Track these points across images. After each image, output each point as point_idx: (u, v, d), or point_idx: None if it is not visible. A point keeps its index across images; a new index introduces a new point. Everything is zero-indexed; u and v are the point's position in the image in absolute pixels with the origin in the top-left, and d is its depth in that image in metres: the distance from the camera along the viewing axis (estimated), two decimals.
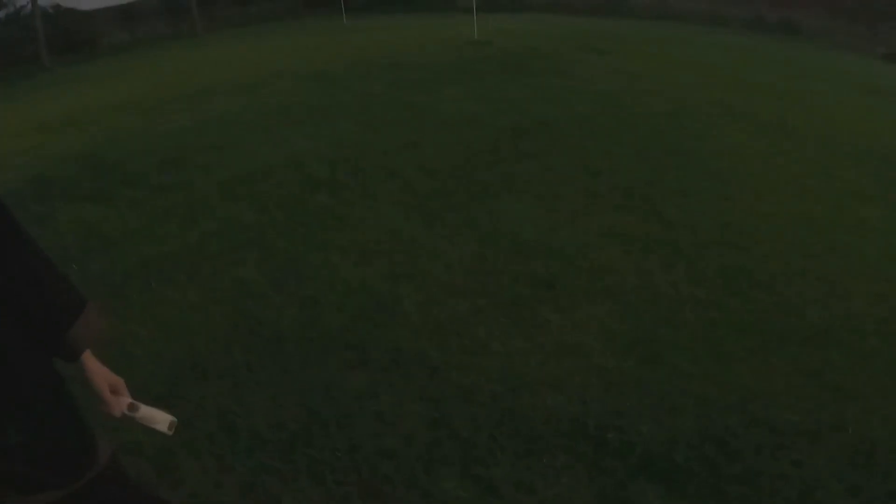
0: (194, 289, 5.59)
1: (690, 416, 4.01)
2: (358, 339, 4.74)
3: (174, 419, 2.33)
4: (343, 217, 6.76)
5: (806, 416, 4.02)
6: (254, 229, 6.64)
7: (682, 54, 17.94)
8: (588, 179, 7.65)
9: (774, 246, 6.30)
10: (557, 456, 3.71)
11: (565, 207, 6.90)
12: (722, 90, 13.07)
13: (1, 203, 1.85)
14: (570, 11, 33.89)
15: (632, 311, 5.11)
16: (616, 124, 10.02)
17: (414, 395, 4.20)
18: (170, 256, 6.22)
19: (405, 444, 3.84)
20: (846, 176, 8.65)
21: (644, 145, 9.07)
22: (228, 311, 5.19)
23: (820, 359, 4.59)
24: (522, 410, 4.05)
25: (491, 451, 3.77)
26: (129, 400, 2.27)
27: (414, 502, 3.48)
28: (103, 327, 2.19)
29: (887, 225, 7.12)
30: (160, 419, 2.32)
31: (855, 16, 28.92)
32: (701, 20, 30.48)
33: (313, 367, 4.47)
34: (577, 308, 5.11)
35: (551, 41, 18.61)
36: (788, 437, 3.87)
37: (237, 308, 5.23)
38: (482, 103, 10.96)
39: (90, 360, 2.17)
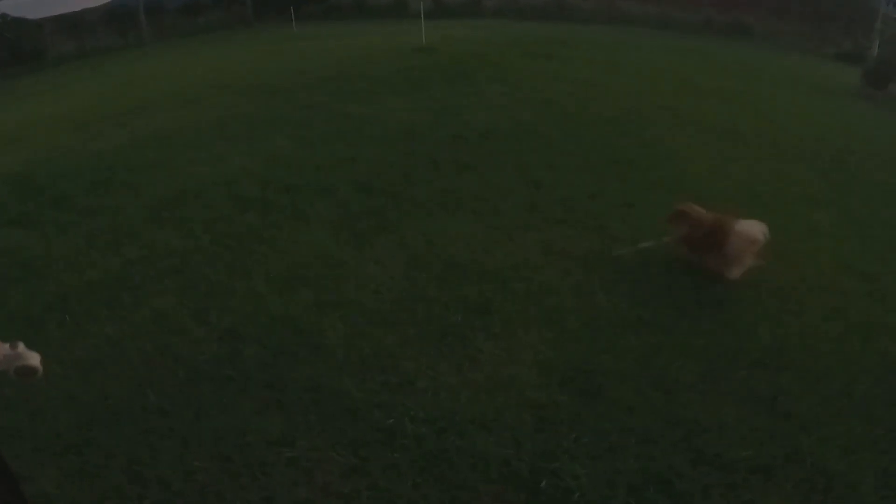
0: (113, 322, 5.23)
1: (632, 456, 3.76)
2: (277, 376, 4.42)
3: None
4: (271, 240, 6.41)
5: (758, 450, 3.80)
6: (178, 255, 6.27)
7: (629, 59, 17.80)
8: (529, 192, 7.38)
9: None
10: None
11: (504, 223, 6.62)
12: (670, 95, 12.93)
13: None
14: (519, 17, 33.75)
15: (570, 337, 4.85)
16: (559, 133, 9.78)
17: (333, 438, 3.89)
18: (91, 287, 5.85)
19: (322, 495, 3.53)
20: (797, 179, 8.54)
21: (587, 155, 8.84)
22: (146, 347, 4.84)
23: (772, 383, 4.37)
24: (449, 454, 3.76)
25: (413, 502, 3.46)
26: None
27: None
28: None
29: (839, 230, 6.99)
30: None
31: (803, 17, 29.13)
32: (649, 24, 30.54)
33: (229, 410, 4.14)
34: (511, 336, 4.83)
35: (498, 48, 18.37)
36: (739, 474, 3.64)
37: (155, 343, 4.88)
38: (424, 114, 10.67)
39: None
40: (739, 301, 5.39)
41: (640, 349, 4.71)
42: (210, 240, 6.52)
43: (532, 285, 5.51)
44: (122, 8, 38.80)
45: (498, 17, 34.08)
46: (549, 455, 3.75)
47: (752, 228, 5.59)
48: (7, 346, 2.81)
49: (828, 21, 28.41)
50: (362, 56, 16.97)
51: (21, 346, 2.84)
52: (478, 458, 3.73)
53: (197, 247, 6.41)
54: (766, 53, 23.19)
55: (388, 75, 13.77)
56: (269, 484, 3.61)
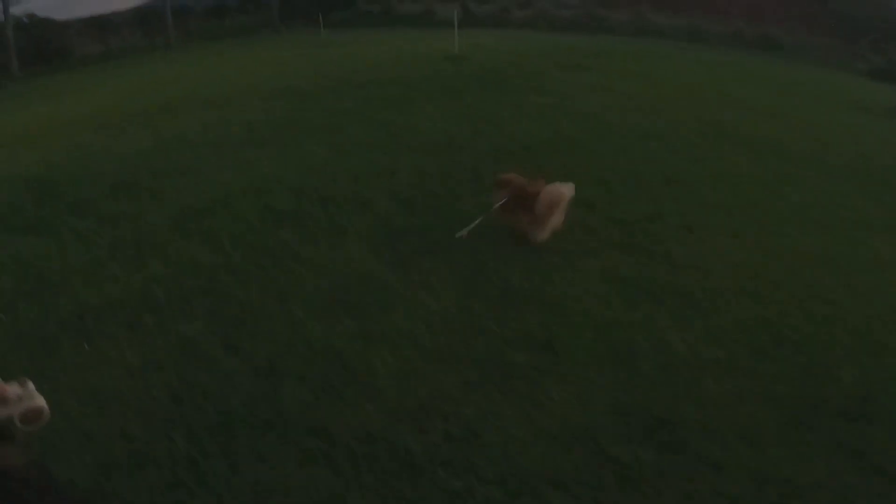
0: (134, 348, 4.69)
1: None
2: (322, 421, 3.85)
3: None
4: (308, 258, 5.84)
5: None
6: (206, 272, 5.72)
7: (666, 71, 17.25)
8: (583, 212, 6.79)
9: (792, 291, 5.49)
10: None
11: (560, 246, 6.02)
12: (712, 109, 12.36)
13: None
14: (549, 28, 33.25)
15: (645, 380, 4.26)
16: (606, 148, 9.21)
17: (390, 500, 3.33)
18: (111, 305, 5.31)
19: None
20: (850, 203, 7.92)
21: (638, 172, 8.25)
22: (172, 382, 4.29)
23: (860, 435, 3.81)
24: None
25: None
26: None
27: None
28: None
29: None
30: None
31: (833, 32, 28.52)
32: (679, 36, 29.97)
33: (268, 461, 3.59)
34: (582, 378, 4.24)
35: (532, 58, 17.83)
36: None
37: (182, 377, 4.33)
38: (462, 123, 10.10)
39: None
40: (816, 341, 4.80)
41: (722, 396, 4.12)
42: (241, 256, 5.98)
43: (597, 319, 4.92)
44: (148, 10, 38.62)
45: (527, 27, 33.58)
46: None
47: (557, 189, 5.96)
48: (15, 385, 2.34)
49: (859, 36, 27.75)
50: (393, 62, 16.49)
51: (30, 386, 2.36)
52: None
53: (227, 263, 5.86)
54: (797, 67, 22.61)
55: (422, 82, 13.26)
56: None
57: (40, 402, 2.35)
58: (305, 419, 3.87)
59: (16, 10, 36.65)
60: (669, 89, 14.15)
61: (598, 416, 3.92)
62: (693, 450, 3.67)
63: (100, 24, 36.87)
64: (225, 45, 31.23)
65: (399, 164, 8.20)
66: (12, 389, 2.31)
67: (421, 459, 3.55)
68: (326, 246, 6.01)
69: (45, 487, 2.48)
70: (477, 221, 6.05)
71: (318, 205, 6.93)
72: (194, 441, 3.75)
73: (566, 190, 6.03)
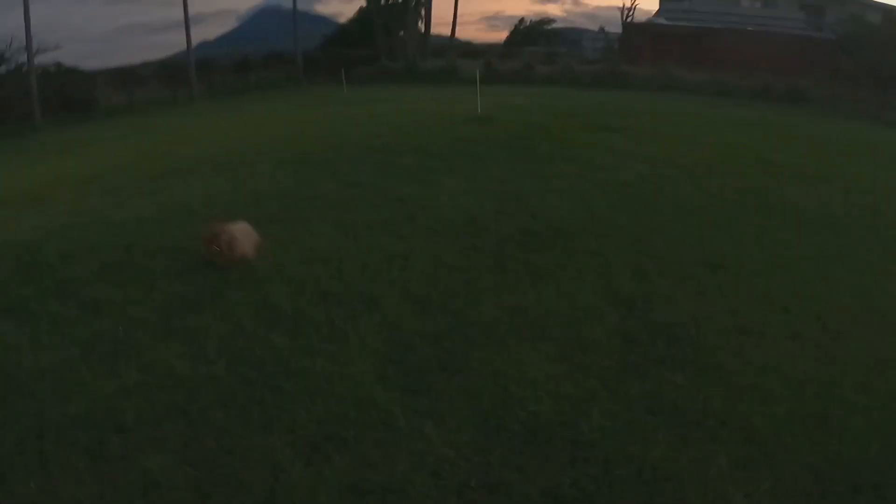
0: (94, 481, 3.92)
1: None
2: None
3: None
4: (301, 373, 4.98)
5: None
6: (184, 386, 4.89)
7: (696, 131, 16.51)
8: (619, 314, 5.91)
9: (868, 414, 4.57)
10: None
11: (595, 363, 5.12)
12: (750, 176, 11.58)
13: None
14: (573, 83, 32.84)
15: None
16: (642, 227, 8.35)
17: None
18: (74, 422, 4.54)
19: None
20: None
21: (679, 256, 7.39)
22: None
23: None
24: None
25: None
26: None
27: None
28: None
29: None
30: None
31: (860, 82, 27.82)
32: (705, 91, 29.37)
33: None
34: None
35: (558, 118, 17.19)
36: None
37: None
38: (484, 199, 9.29)
39: None
40: None
41: None
42: (225, 365, 5.13)
43: (644, 467, 4.02)
44: (173, 63, 38.63)
45: (551, 84, 33.15)
46: None
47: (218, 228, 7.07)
48: None
49: (888, 86, 26.97)
50: (414, 124, 15.87)
51: None
52: None
53: (209, 375, 5.02)
54: (827, 121, 21.86)
55: (443, 148, 12.53)
56: None
57: None
58: None
59: (43, 59, 36.94)
60: (703, 153, 13.38)
61: None
62: None
63: (125, 76, 36.93)
64: (247, 100, 31.09)
65: (413, 249, 7.35)
66: None
67: None
68: (323, 358, 5.14)
69: None
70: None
71: (319, 302, 6.09)
72: None
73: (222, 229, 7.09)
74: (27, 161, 18.53)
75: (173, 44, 36.65)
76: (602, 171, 11.20)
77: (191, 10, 36.81)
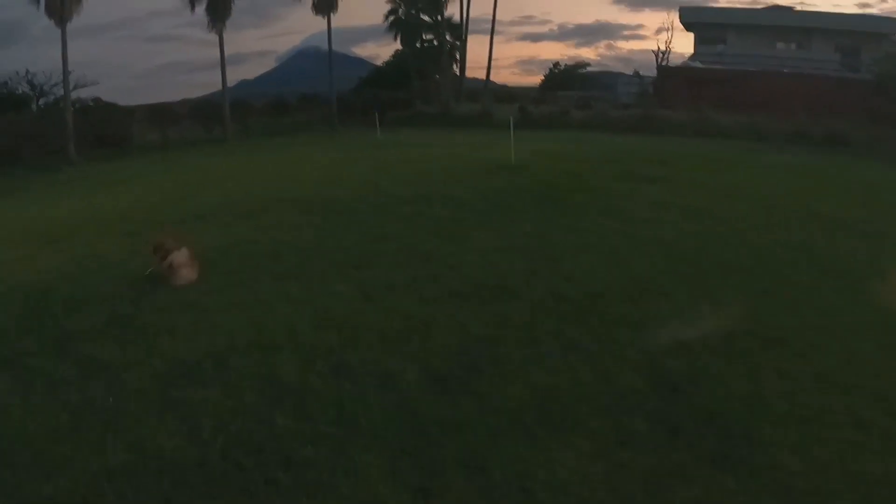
0: None
1: None
2: None
3: None
4: (302, 463, 4.36)
5: None
6: (170, 471, 4.34)
7: (736, 180, 15.81)
8: (663, 399, 5.25)
9: None
10: None
11: (636, 461, 4.46)
12: (796, 228, 10.84)
13: None
14: (607, 128, 32.40)
15: None
16: (687, 293, 7.65)
17: None
18: None
19: None
20: None
21: (728, 327, 6.69)
22: None
23: None
24: None
25: None
26: None
27: None
28: None
29: None
30: None
31: None
32: (741, 135, 28.65)
33: None
34: None
35: (594, 166, 16.66)
36: None
37: None
38: (515, 258, 8.67)
39: None
40: None
41: None
42: (220, 449, 4.56)
43: None
44: (208, 103, 38.93)
45: (586, 129, 32.71)
46: None
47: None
48: None
49: None
50: (445, 172, 15.41)
51: None
52: None
53: (200, 460, 4.45)
54: (869, 165, 20.92)
55: (474, 199, 12.02)
56: None
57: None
58: None
59: (82, 94, 37.39)
60: (745, 205, 12.67)
61: None
62: None
63: (161, 113, 37.24)
64: (280, 142, 31.01)
65: (437, 315, 6.74)
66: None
67: None
68: (328, 447, 4.52)
69: None
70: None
71: (330, 376, 5.49)
72: None
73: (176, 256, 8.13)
74: (55, 196, 18.52)
75: (212, 82, 37.02)
76: (641, 225, 10.55)
77: (231, 50, 37.21)
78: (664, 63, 47.72)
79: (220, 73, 36.85)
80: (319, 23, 42.48)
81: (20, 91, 37.88)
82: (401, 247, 9.10)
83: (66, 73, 31.12)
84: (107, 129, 33.47)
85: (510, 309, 6.94)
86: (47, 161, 29.27)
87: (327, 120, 39.55)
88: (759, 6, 52.31)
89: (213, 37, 35.75)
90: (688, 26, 49.06)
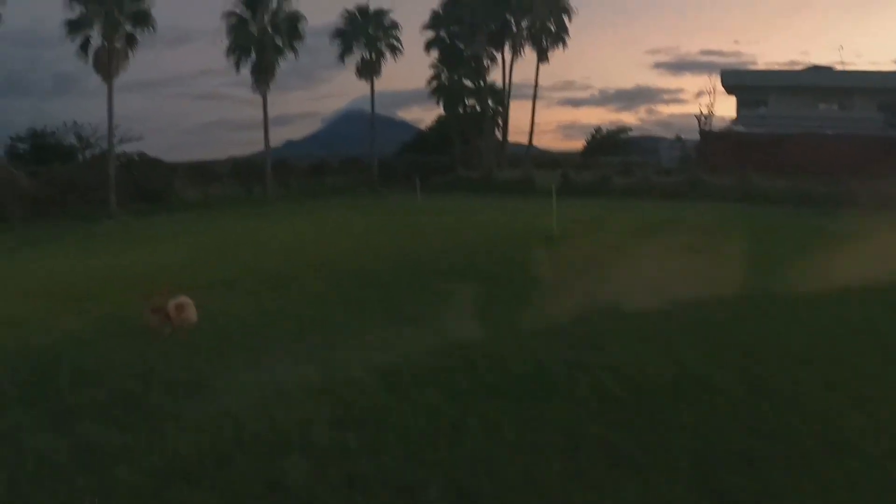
0: None
1: None
2: None
3: None
4: None
5: None
6: None
7: (788, 251, 14.81)
8: None
9: None
10: None
11: None
12: (859, 305, 9.85)
13: None
14: (650, 195, 31.69)
15: None
16: (745, 390, 6.68)
17: None
18: None
19: None
20: None
21: (794, 433, 5.73)
22: None
23: None
24: None
25: None
26: None
27: None
28: None
29: None
30: None
31: None
32: (787, 199, 27.53)
33: None
34: None
35: (636, 238, 16.03)
36: None
37: None
38: (557, 344, 7.89)
39: None
40: None
41: None
42: None
43: None
44: (250, 162, 39.13)
45: (629, 195, 32.02)
46: None
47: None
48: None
49: None
50: (485, 242, 14.85)
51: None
52: None
53: None
54: None
55: (513, 273, 11.39)
56: None
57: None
58: None
59: (127, 147, 37.81)
60: (800, 280, 11.53)
61: None
62: None
63: (203, 171, 37.46)
64: (319, 205, 30.85)
65: (468, 414, 5.90)
66: None
67: None
68: None
69: None
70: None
71: (343, 487, 4.69)
72: None
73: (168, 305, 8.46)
74: (90, 249, 18.56)
75: (258, 141, 37.15)
76: (693, 309, 9.73)
77: (278, 111, 37.78)
78: (706, 127, 47.13)
79: (269, 132, 37.20)
80: (364, 86, 42.87)
81: (67, 142, 38.52)
82: (431, 329, 8.41)
83: (111, 126, 31.48)
84: (149, 184, 33.71)
85: (549, 409, 6.17)
86: (89, 212, 29.49)
87: (368, 183, 39.47)
88: (797, 67, 51.79)
89: (259, 97, 36.14)
90: (729, 89, 48.51)
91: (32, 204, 29.55)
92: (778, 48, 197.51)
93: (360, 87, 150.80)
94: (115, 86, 30.75)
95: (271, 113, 36.82)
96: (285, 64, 37.15)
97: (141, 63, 32.63)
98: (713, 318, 9.24)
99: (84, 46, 30.37)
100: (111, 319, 9.48)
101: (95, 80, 30.61)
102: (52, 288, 12.14)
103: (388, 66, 39.37)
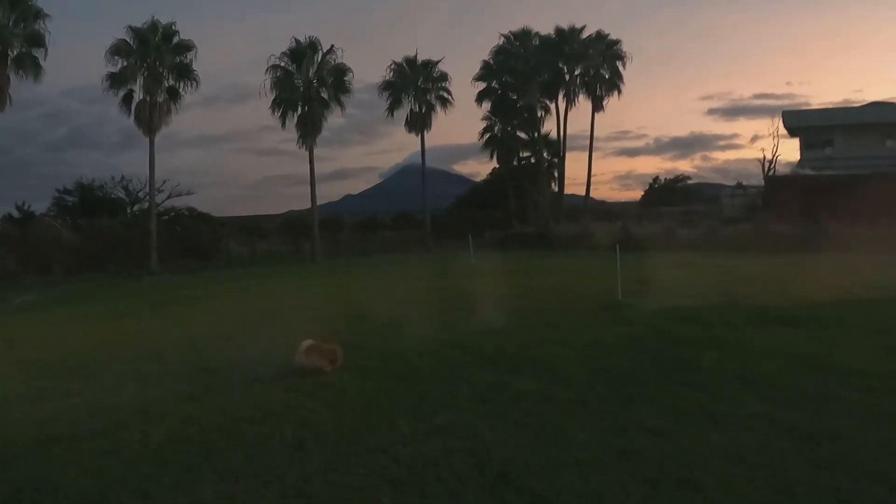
0: None
1: None
2: None
3: None
4: None
5: None
6: None
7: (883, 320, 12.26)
8: None
9: None
10: None
11: None
12: None
13: None
14: (718, 247, 29.31)
15: None
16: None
17: None
18: None
19: None
20: None
21: None
22: None
23: None
24: None
25: None
26: None
27: None
28: None
29: None
30: None
31: None
32: (867, 247, 25.01)
33: None
34: None
35: (714, 304, 13.82)
36: None
37: None
38: (631, 480, 5.50)
39: None
40: None
41: None
42: None
43: None
44: (298, 218, 37.98)
45: (694, 249, 29.63)
46: None
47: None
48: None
49: None
50: (540, 313, 12.82)
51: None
52: None
53: None
54: None
55: (573, 363, 9.16)
56: None
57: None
58: None
59: (178, 202, 37.09)
60: None
61: None
62: None
63: (250, 227, 36.59)
64: (367, 264, 29.44)
65: None
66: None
67: None
68: None
69: None
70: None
71: None
72: None
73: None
74: (117, 311, 17.63)
75: (317, 195, 36.00)
76: (797, 407, 7.35)
77: (339, 165, 37.56)
78: (771, 172, 44.70)
79: (324, 187, 36.38)
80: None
81: (115, 195, 38.07)
82: (467, 447, 6.20)
83: (152, 181, 30.79)
84: (194, 240, 32.82)
85: None
86: (131, 268, 28.80)
87: (421, 240, 37.94)
88: (856, 104, 49.36)
89: (322, 152, 35.21)
90: (792, 131, 46.13)
91: (75, 258, 29.11)
92: (831, 87, 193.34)
93: (419, 142, 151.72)
94: (176, 141, 31.01)
95: (331, 168, 36.13)
96: (345, 120, 36.71)
97: (204, 119, 32.59)
98: (828, 426, 6.74)
99: (126, 100, 29.82)
100: (101, 409, 7.90)
101: (158, 135, 30.14)
102: (56, 357, 11.05)
103: (444, 119, 38.50)
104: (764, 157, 46.44)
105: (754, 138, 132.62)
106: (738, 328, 11.47)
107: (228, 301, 18.86)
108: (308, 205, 34.13)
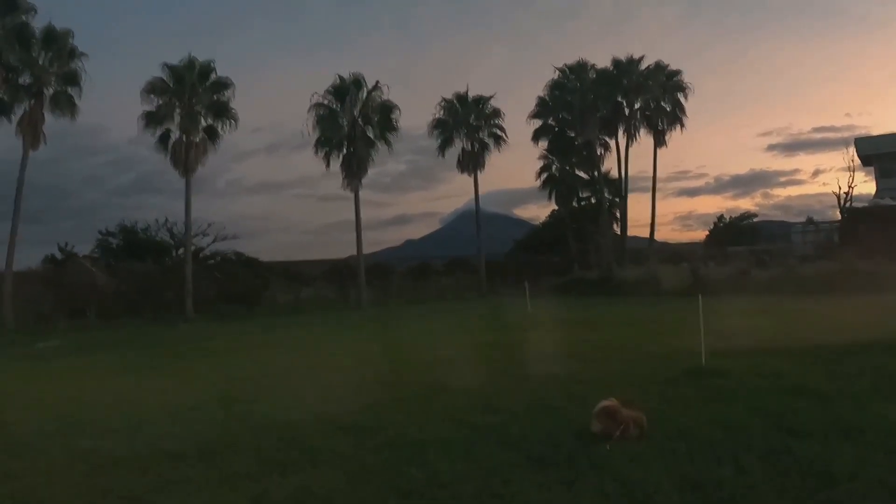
0: None
1: None
2: None
3: None
4: None
5: None
6: None
7: None
8: None
9: None
10: None
11: None
12: None
13: None
14: (798, 289, 26.45)
15: None
16: None
17: None
18: None
19: None
20: None
21: None
22: None
23: None
24: None
25: None
26: None
27: None
28: None
29: None
30: None
31: None
32: None
33: None
34: None
35: (818, 362, 11.24)
36: None
37: None
38: None
39: None
40: None
41: None
42: None
43: None
44: (345, 264, 36.13)
45: (773, 291, 26.58)
46: None
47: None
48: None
49: None
50: (606, 381, 10.23)
51: None
52: None
53: None
54: None
55: (654, 462, 6.55)
56: None
57: None
58: None
59: (224, 247, 35.69)
60: None
61: None
62: None
63: (295, 272, 35.04)
64: (417, 312, 27.29)
65: None
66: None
67: None
68: None
69: None
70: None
71: None
72: None
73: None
74: (127, 363, 16.27)
75: (375, 241, 34.48)
76: None
77: (400, 211, 35.86)
78: (848, 204, 41.26)
79: (385, 232, 35.01)
80: (484, 185, 40.02)
81: (159, 238, 37.08)
82: None
83: (188, 224, 29.59)
84: (235, 287, 31.26)
85: None
86: (166, 315, 27.58)
87: (475, 286, 35.67)
88: None
89: (382, 197, 33.81)
90: (865, 160, 42.49)
91: (112, 302, 28.05)
92: (892, 116, 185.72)
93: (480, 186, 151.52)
94: (243, 187, 29.96)
95: (392, 213, 34.72)
96: (405, 166, 35.41)
97: (268, 165, 31.99)
98: None
99: (163, 140, 28.62)
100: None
101: (222, 181, 29.21)
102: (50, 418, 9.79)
103: (504, 162, 36.62)
104: (840, 189, 43.08)
105: (816, 172, 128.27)
106: (865, 402, 8.67)
107: (245, 357, 16.84)
108: (369, 250, 32.74)
